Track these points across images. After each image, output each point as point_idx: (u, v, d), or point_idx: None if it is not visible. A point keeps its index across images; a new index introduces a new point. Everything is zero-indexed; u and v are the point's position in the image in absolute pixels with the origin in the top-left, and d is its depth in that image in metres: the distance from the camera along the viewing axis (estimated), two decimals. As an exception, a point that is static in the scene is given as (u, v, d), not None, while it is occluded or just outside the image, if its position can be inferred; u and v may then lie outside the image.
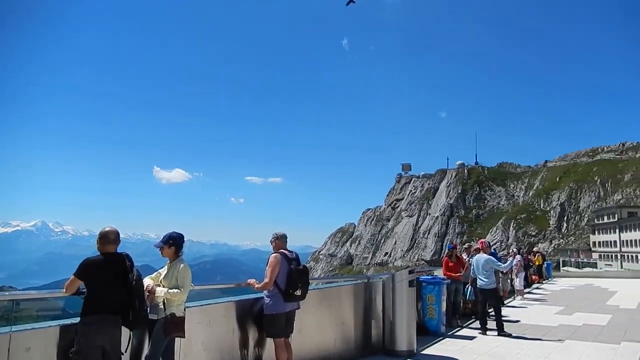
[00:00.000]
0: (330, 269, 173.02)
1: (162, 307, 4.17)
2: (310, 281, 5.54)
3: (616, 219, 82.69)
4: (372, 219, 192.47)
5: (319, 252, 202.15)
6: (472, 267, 9.62)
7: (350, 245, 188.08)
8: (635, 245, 73.78)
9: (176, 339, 4.27)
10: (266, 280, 5.16)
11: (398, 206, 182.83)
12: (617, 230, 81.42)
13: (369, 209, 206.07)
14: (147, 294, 4.17)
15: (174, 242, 4.45)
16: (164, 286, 4.27)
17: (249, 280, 5.39)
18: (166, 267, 4.45)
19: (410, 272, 7.57)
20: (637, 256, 72.05)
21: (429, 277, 9.41)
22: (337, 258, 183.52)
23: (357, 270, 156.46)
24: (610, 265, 73.01)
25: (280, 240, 5.44)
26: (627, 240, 78.21)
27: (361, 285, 7.55)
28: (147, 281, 4.35)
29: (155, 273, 4.56)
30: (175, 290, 4.19)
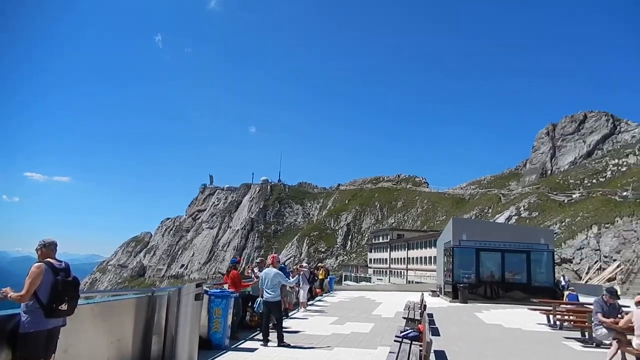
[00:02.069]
0: (119, 280, 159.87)
1: None
2: (90, 295, 5.07)
3: (388, 240, 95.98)
4: (171, 229, 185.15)
5: (108, 262, 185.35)
6: (260, 281, 10.00)
7: (144, 256, 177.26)
8: (401, 263, 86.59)
9: None
10: (22, 292, 4.50)
11: (199, 217, 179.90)
12: (388, 250, 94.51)
13: (169, 219, 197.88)
14: None
15: None
16: None
17: (3, 290, 4.63)
18: None
19: (198, 285, 7.54)
20: (401, 272, 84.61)
21: (218, 290, 9.48)
22: (128, 269, 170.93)
23: (149, 282, 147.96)
24: (381, 279, 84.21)
25: (47, 248, 4.84)
26: (395, 258, 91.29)
27: (144, 299, 7.20)
28: None
29: None
30: None
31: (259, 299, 10.17)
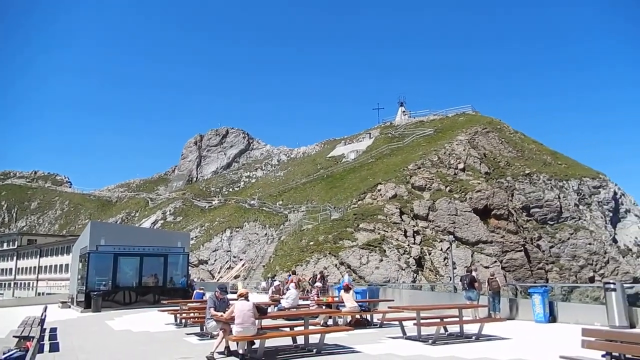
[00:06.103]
0: None
1: None
2: None
3: (16, 246, 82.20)
4: None
5: None
6: None
7: None
8: (31, 273, 75.62)
9: None
10: None
11: None
12: (15, 258, 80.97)
13: None
14: None
15: None
16: None
17: None
18: None
19: None
20: (31, 283, 73.91)
21: None
22: None
23: None
24: (2, 294, 71.40)
25: None
26: (23, 268, 78.96)
27: None
28: None
29: None
30: None
31: None
